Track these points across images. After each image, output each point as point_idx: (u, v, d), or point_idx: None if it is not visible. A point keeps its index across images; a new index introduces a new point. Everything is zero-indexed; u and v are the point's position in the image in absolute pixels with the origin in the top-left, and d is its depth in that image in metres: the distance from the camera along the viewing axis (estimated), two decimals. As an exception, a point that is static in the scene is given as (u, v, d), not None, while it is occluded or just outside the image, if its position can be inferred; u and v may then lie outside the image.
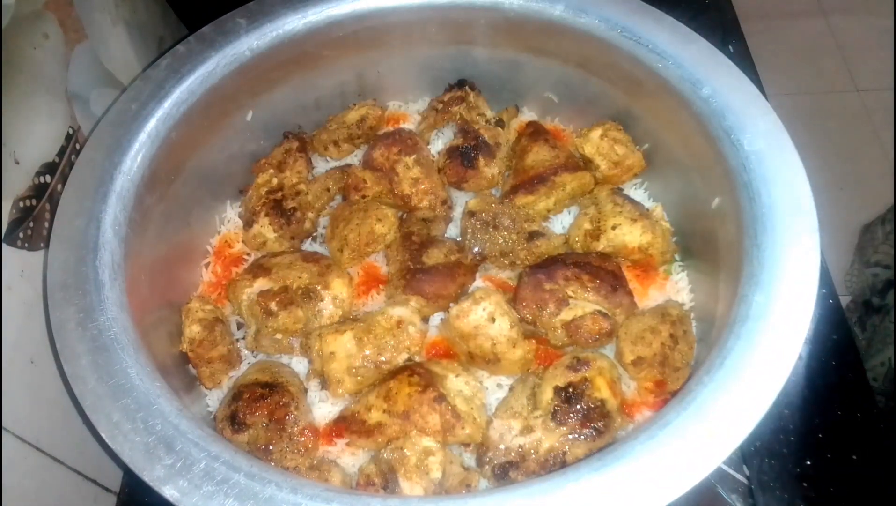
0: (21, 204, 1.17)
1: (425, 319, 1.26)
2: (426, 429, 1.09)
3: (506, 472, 1.07)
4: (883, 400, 1.64)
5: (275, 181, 1.41)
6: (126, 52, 1.57)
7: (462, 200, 1.42)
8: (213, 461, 0.89)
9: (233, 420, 1.13)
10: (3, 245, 1.12)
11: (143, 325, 1.07)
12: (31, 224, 1.20)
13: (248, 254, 1.42)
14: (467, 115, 1.46)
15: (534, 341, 1.21)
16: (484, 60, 1.49)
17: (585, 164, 1.42)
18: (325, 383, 1.21)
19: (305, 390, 1.22)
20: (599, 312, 1.20)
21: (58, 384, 1.21)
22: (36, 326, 1.18)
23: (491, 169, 1.42)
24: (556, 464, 1.06)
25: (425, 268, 1.27)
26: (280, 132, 1.50)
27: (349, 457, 1.17)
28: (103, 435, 0.92)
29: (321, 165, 1.54)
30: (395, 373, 1.16)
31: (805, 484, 1.21)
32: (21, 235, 1.17)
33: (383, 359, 1.18)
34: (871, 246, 2.20)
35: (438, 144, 1.51)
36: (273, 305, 1.23)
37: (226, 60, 1.28)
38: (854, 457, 1.23)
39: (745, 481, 1.22)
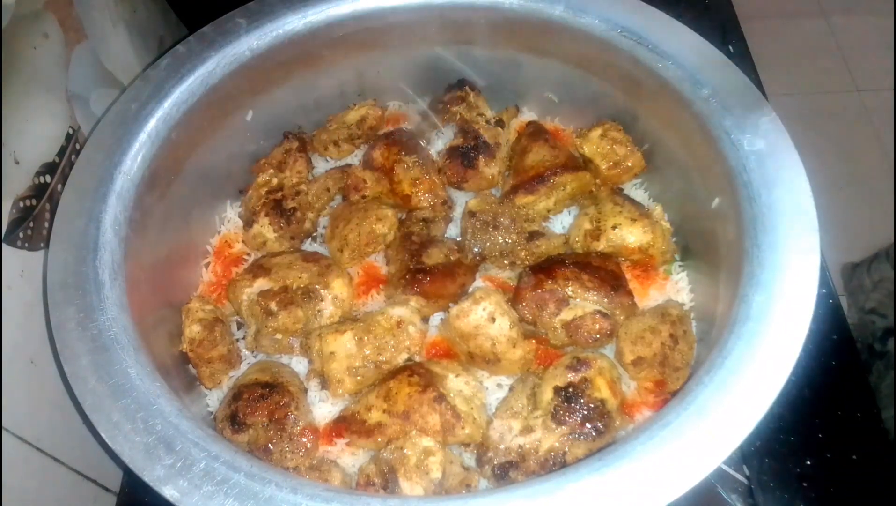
0: (21, 204, 1.17)
1: (425, 319, 1.26)
2: (426, 429, 1.09)
3: (506, 472, 1.07)
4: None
5: (275, 181, 1.41)
6: (126, 52, 1.57)
7: (462, 200, 1.42)
8: (213, 461, 0.89)
9: (233, 420, 1.13)
10: (3, 245, 1.12)
11: (143, 325, 1.07)
12: (31, 224, 1.20)
13: (248, 254, 1.42)
14: (467, 115, 1.46)
15: (534, 341, 1.21)
16: (484, 60, 1.49)
17: (585, 164, 1.42)
18: (325, 383, 1.21)
19: (305, 390, 1.22)
20: (599, 312, 1.20)
21: (58, 384, 1.21)
22: (36, 326, 1.18)
23: (491, 169, 1.42)
24: (556, 464, 1.06)
25: (425, 268, 1.27)
26: (280, 132, 1.50)
27: (349, 457, 1.17)
28: (103, 435, 0.92)
29: (321, 165, 1.54)
30: (395, 373, 1.16)
31: (805, 484, 1.21)
32: (21, 235, 1.17)
33: (383, 359, 1.18)
34: (862, 293, 2.19)
35: (438, 144, 1.51)
36: (273, 305, 1.23)
37: (226, 60, 1.28)
38: (854, 457, 1.23)
39: (745, 481, 1.22)
